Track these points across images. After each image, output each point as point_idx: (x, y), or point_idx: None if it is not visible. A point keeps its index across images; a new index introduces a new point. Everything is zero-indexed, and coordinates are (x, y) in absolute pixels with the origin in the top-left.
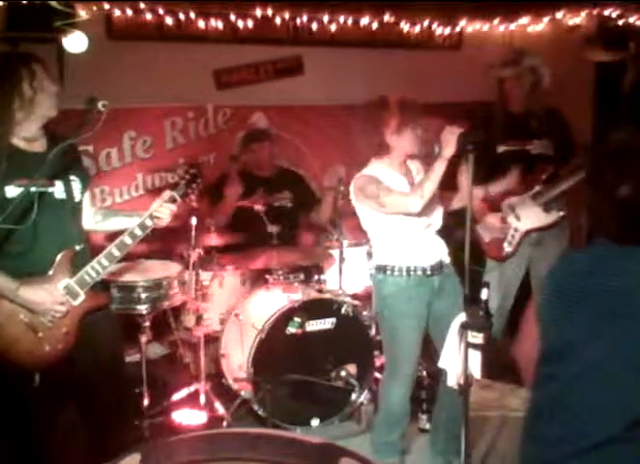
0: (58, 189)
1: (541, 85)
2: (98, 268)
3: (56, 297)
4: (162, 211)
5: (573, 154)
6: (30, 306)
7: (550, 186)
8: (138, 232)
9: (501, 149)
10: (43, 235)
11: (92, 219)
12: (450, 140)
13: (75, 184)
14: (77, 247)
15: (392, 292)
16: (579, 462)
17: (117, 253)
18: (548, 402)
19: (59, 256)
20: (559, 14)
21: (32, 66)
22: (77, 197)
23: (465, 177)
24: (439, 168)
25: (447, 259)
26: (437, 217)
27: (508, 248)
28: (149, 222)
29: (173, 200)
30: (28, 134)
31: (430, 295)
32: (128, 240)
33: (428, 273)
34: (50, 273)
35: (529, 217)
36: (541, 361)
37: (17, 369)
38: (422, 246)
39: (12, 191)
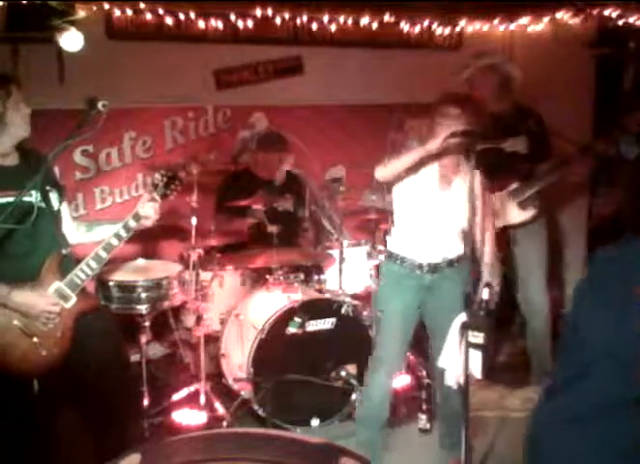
0: (37, 199)
1: (510, 83)
2: (86, 270)
3: (48, 299)
4: (146, 211)
5: (549, 152)
6: (23, 310)
7: (527, 183)
8: (123, 233)
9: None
10: (30, 241)
11: (76, 232)
12: (439, 135)
13: (52, 194)
14: (64, 252)
15: (385, 275)
16: None
17: (104, 255)
18: None
19: (47, 261)
20: (559, 15)
21: (8, 87)
22: (56, 206)
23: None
24: (414, 153)
25: (447, 262)
26: (458, 216)
27: None
28: (133, 223)
29: (154, 201)
30: (1, 151)
31: (420, 291)
32: (114, 241)
33: (418, 269)
34: (40, 277)
35: (505, 213)
36: None
37: (15, 376)
38: (423, 242)
39: None
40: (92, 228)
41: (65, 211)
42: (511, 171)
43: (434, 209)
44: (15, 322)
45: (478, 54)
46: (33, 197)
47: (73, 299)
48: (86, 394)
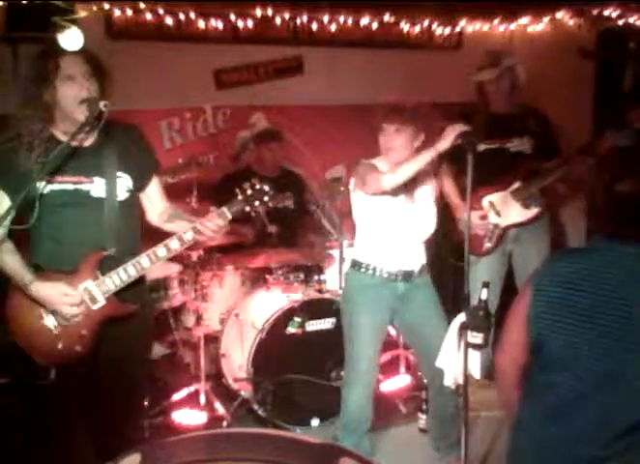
0: (97, 188)
1: (518, 83)
2: (123, 276)
3: (70, 297)
4: (208, 226)
5: (555, 152)
6: (41, 302)
7: (530, 183)
8: (175, 245)
9: (481, 147)
10: (73, 234)
11: (157, 216)
12: (449, 136)
13: (122, 181)
14: (110, 250)
15: (354, 286)
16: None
17: (147, 264)
18: (558, 406)
19: (86, 257)
20: (559, 14)
21: (57, 60)
22: (121, 196)
23: (446, 176)
24: (425, 156)
25: (419, 270)
26: (424, 226)
27: (488, 244)
28: (189, 236)
29: (223, 216)
30: (70, 129)
31: (393, 300)
32: (162, 252)
33: (392, 277)
34: (75, 272)
35: (509, 213)
36: (539, 368)
37: (33, 361)
38: (396, 250)
39: (45, 187)
40: (172, 219)
41: (154, 193)
42: (515, 171)
43: (402, 216)
44: (42, 310)
45: (493, 55)
46: (92, 186)
47: (101, 302)
48: (98, 398)
